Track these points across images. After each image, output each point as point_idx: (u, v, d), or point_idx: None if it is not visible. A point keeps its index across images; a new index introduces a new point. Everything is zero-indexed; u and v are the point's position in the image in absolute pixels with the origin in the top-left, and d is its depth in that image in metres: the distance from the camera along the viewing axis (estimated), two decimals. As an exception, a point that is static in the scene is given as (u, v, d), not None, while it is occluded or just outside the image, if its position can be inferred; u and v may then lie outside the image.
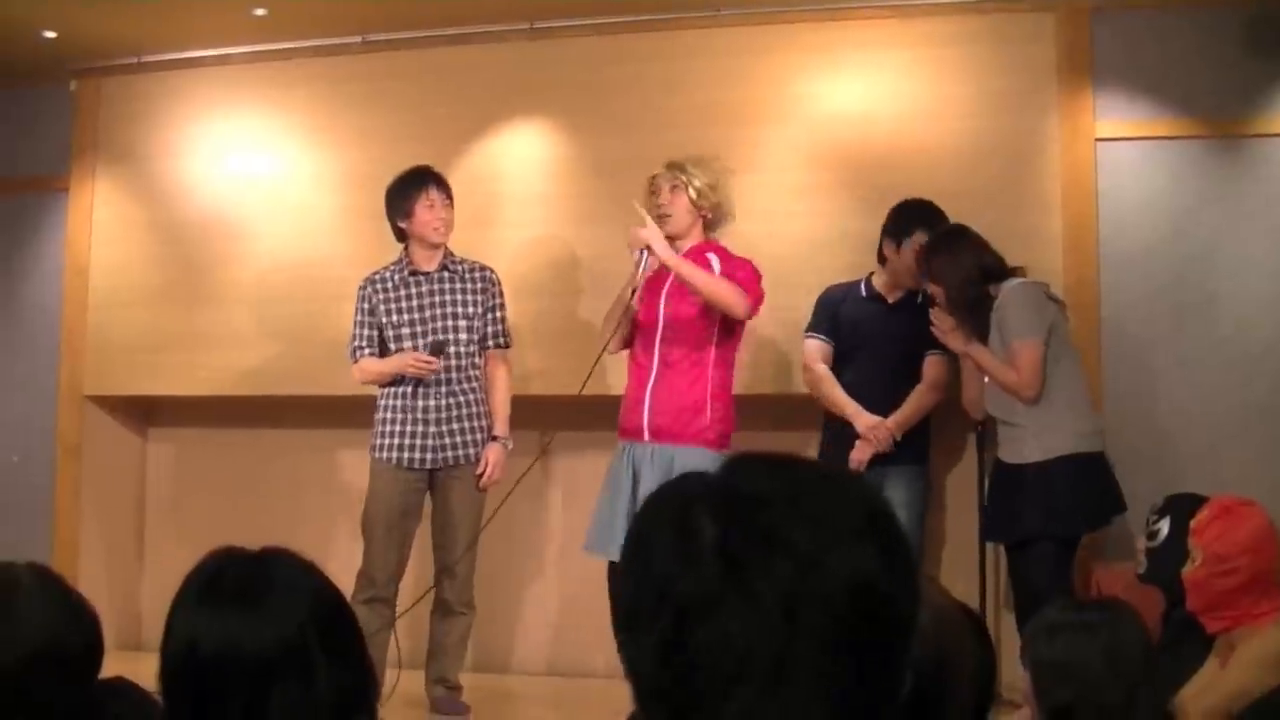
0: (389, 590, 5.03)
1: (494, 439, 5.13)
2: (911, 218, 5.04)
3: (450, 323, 5.08)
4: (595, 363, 4.90)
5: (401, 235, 5.17)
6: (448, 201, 5.14)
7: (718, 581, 1.04)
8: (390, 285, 5.15)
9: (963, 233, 4.84)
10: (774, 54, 5.62)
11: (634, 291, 4.89)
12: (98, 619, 2.02)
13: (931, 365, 5.05)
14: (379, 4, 5.78)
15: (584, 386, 5.03)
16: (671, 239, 4.86)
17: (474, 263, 5.22)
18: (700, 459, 4.58)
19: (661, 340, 4.82)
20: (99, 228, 6.46)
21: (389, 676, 4.81)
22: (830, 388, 5.10)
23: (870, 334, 5.10)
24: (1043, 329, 4.68)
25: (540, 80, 5.78)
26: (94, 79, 6.49)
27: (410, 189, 5.13)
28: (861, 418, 4.99)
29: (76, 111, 6.52)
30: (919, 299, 5.06)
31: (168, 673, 1.65)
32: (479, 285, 5.16)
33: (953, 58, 5.47)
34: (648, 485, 4.66)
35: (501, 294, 5.23)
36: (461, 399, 5.07)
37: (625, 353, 5.01)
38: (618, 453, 4.88)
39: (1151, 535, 4.27)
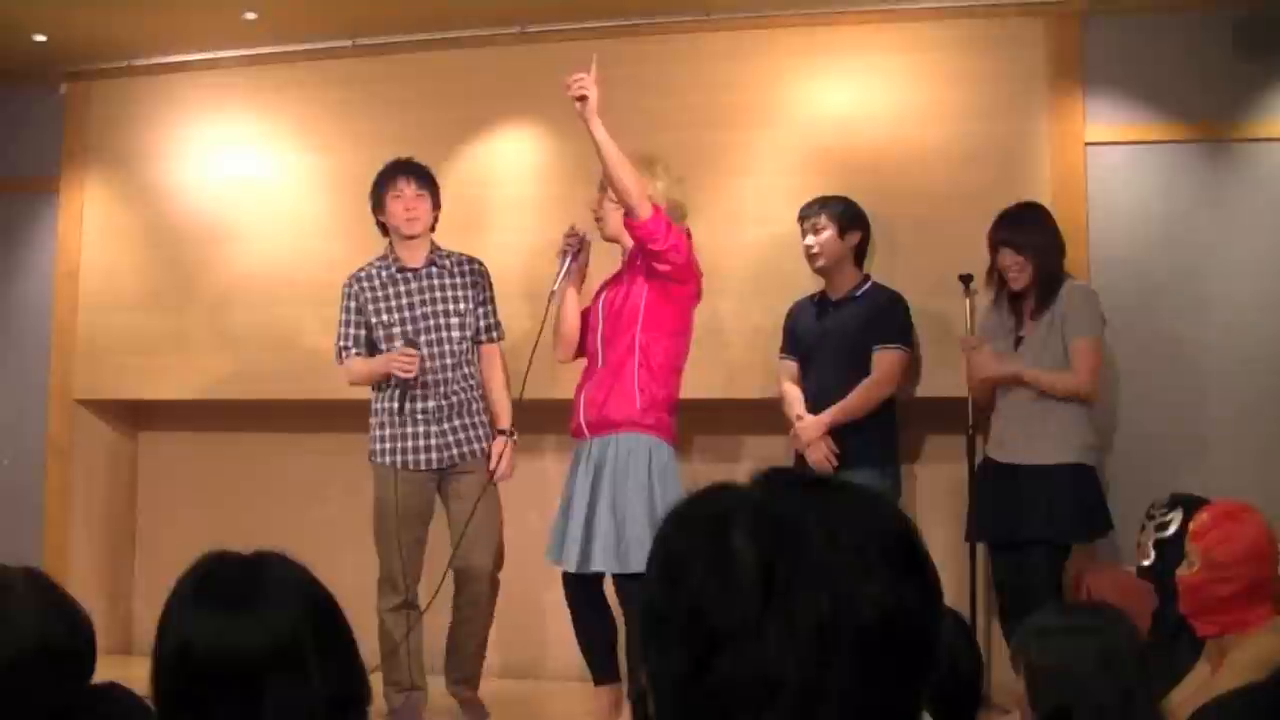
0: (412, 592, 4.95)
1: (500, 433, 5.05)
2: None
3: (441, 320, 4.99)
4: (528, 367, 4.83)
5: (385, 230, 5.10)
6: (421, 192, 5.03)
7: (757, 609, 1.03)
8: (377, 283, 5.04)
9: (1043, 208, 4.89)
10: (764, 58, 5.62)
11: (552, 294, 4.79)
12: (91, 623, 2.03)
13: (879, 360, 4.97)
14: (369, 7, 5.78)
15: (523, 391, 4.88)
16: (617, 240, 4.80)
17: (461, 255, 5.14)
18: (632, 445, 4.56)
19: (603, 337, 4.74)
20: (90, 230, 6.45)
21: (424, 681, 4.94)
22: (787, 406, 5.10)
23: (818, 336, 5.09)
24: (1102, 332, 4.79)
25: (530, 84, 5.77)
26: (84, 82, 6.48)
27: (381, 181, 5.06)
28: (795, 422, 5.00)
29: (67, 114, 6.52)
30: (857, 294, 5.07)
31: (161, 674, 1.65)
32: (468, 279, 5.08)
33: (943, 62, 5.47)
34: (580, 481, 4.62)
35: (491, 286, 5.14)
36: (459, 397, 4.98)
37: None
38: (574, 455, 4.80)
39: (1161, 527, 4.26)
